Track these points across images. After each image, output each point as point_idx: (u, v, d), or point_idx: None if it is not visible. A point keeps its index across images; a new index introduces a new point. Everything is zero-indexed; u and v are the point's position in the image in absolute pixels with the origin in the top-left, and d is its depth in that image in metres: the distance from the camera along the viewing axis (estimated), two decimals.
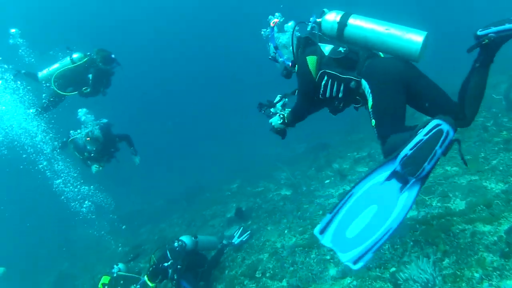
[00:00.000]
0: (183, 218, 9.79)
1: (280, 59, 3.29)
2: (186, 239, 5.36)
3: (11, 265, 10.08)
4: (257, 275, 5.03)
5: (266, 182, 9.60)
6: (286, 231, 6.01)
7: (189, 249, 5.25)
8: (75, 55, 5.87)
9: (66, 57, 5.90)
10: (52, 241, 11.05)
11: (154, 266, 5.03)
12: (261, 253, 5.68)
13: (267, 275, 4.98)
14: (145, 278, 5.00)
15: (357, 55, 2.83)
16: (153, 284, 4.95)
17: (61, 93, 5.81)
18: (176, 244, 5.19)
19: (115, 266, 5.69)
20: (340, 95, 2.88)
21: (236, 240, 6.29)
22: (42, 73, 6.01)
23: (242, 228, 6.59)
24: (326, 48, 2.95)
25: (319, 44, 2.99)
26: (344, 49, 2.84)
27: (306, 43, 3.00)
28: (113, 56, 5.95)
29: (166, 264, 4.94)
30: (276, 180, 9.34)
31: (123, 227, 9.75)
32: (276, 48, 3.24)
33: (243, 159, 13.11)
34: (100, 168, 6.33)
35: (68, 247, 10.28)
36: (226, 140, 16.24)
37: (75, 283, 8.47)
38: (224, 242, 6.20)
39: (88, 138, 5.84)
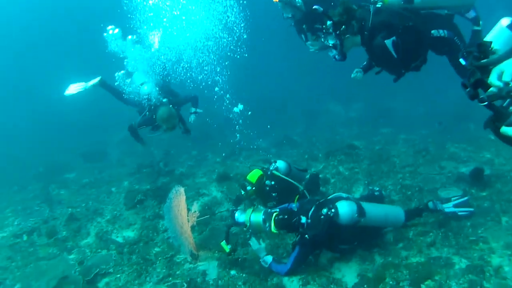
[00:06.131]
0: (423, 141, 7.95)
1: None
2: (344, 208, 3.68)
3: None
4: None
5: None
6: None
7: (342, 224, 3.69)
8: None
9: None
10: None
11: (287, 216, 3.76)
12: (461, 254, 3.68)
13: None
14: (272, 221, 3.80)
15: None
16: (275, 231, 3.82)
17: None
18: (325, 210, 3.66)
19: (273, 163, 4.70)
20: None
21: (449, 208, 4.27)
22: None
23: (467, 198, 4.41)
24: None
25: None
26: None
27: None
28: None
29: (302, 221, 3.71)
30: None
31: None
32: None
33: None
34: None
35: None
36: None
37: None
38: (430, 205, 4.26)
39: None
